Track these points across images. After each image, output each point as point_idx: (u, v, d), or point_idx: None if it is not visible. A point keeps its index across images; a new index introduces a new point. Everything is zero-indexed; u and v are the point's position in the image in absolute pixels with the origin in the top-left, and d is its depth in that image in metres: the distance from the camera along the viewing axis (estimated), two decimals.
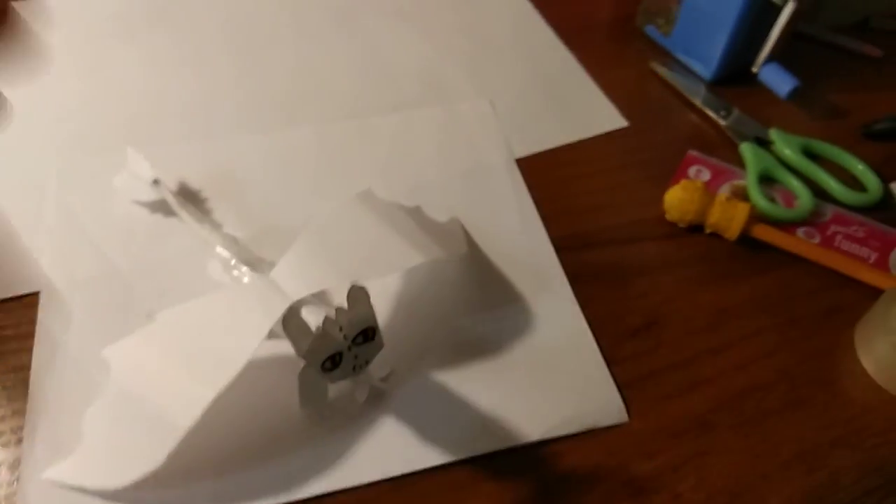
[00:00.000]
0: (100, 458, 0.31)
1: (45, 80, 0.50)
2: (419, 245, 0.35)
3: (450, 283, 0.39)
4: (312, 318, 0.31)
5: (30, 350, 0.35)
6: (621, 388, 0.35)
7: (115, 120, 0.47)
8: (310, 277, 0.31)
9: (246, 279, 0.37)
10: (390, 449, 0.33)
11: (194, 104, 0.44)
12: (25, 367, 0.35)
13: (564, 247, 0.41)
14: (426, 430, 0.33)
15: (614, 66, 0.53)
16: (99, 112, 0.47)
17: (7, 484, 0.31)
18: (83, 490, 0.31)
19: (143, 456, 0.30)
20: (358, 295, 0.28)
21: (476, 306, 0.38)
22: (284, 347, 0.30)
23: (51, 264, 0.39)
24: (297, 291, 0.30)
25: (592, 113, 0.49)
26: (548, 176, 0.45)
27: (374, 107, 0.48)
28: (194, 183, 0.43)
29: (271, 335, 0.29)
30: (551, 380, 0.35)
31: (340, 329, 0.28)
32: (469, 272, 0.39)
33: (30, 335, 0.36)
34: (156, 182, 0.41)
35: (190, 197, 0.42)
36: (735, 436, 0.34)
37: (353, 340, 0.29)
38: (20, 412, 0.33)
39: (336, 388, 0.33)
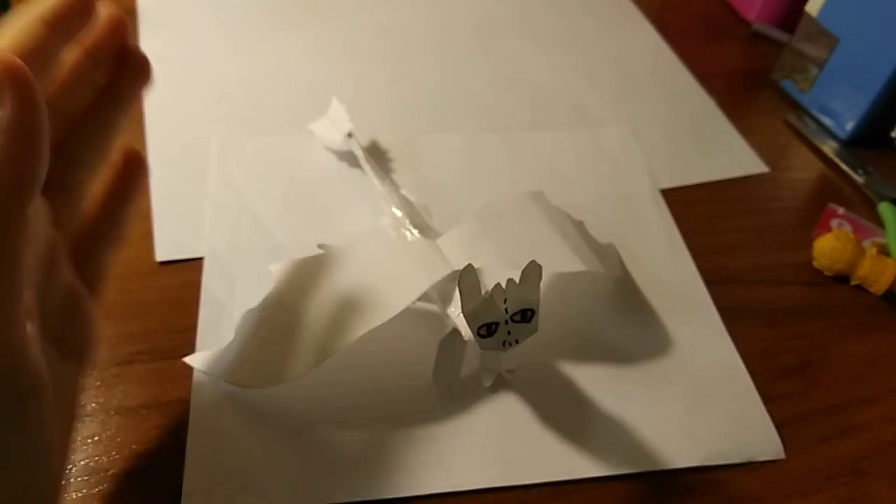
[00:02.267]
0: (241, 357, 0.31)
1: (204, 59, 0.51)
2: (582, 254, 0.36)
3: (603, 298, 0.39)
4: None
5: (194, 314, 0.36)
6: (777, 425, 0.35)
7: (271, 103, 0.48)
8: (473, 252, 0.33)
9: (411, 238, 0.38)
10: (525, 453, 0.33)
11: (346, 98, 0.45)
12: (191, 329, 0.35)
13: (712, 280, 0.41)
14: (568, 439, 0.33)
15: (749, 114, 0.54)
16: (255, 94, 0.48)
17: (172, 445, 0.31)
18: (215, 378, 0.32)
19: (279, 365, 0.30)
20: (532, 273, 0.29)
21: (627, 325, 0.38)
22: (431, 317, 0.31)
23: (213, 232, 0.39)
24: (459, 261, 0.31)
25: (732, 155, 0.50)
26: (691, 210, 0.45)
27: (518, 123, 0.49)
28: (383, 144, 0.47)
29: (425, 298, 0.31)
30: (707, 408, 0.35)
31: (505, 301, 0.29)
32: (622, 292, 0.40)
33: (193, 300, 0.36)
34: (350, 134, 0.43)
35: (377, 156, 0.45)
36: (887, 485, 0.34)
37: (513, 316, 0.30)
38: (186, 372, 0.33)
39: (466, 370, 0.34)
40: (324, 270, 0.32)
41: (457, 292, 0.29)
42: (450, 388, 0.34)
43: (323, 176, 0.44)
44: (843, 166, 0.49)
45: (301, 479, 0.30)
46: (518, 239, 0.35)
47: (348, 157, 0.44)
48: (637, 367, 0.37)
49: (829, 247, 0.42)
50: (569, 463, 0.32)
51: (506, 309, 0.29)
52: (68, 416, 0.25)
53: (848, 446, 0.35)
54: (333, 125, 0.44)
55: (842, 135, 0.51)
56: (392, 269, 0.33)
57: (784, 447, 0.34)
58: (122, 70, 0.28)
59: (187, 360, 0.33)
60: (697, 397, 0.36)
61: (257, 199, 0.41)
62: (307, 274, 0.32)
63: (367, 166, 0.42)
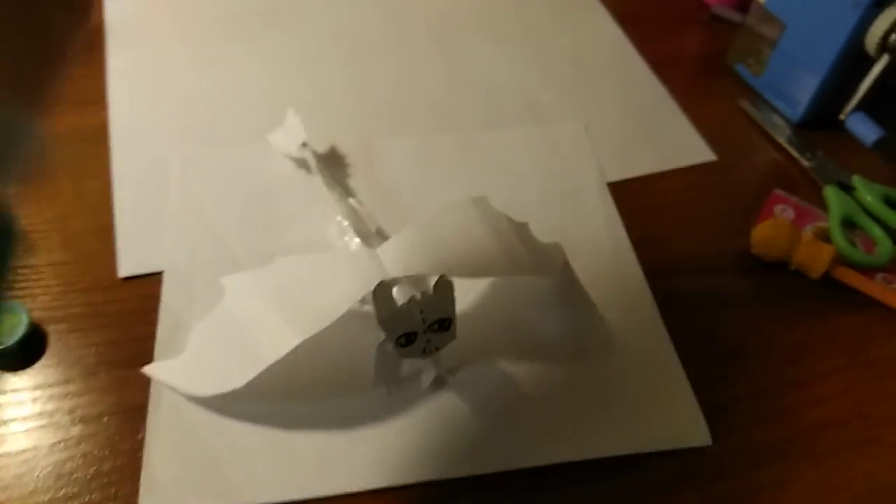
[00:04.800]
0: (194, 366, 0.34)
1: (167, 74, 0.53)
2: (517, 260, 0.37)
3: (541, 296, 0.41)
4: (402, 296, 0.34)
5: (153, 323, 0.38)
6: (704, 411, 0.37)
7: (232, 115, 0.50)
8: (409, 261, 0.33)
9: (353, 248, 0.40)
10: (463, 448, 0.35)
11: (304, 105, 0.47)
12: (149, 338, 0.38)
13: (652, 272, 0.43)
14: (500, 433, 0.36)
15: (703, 101, 0.54)
16: (217, 107, 0.51)
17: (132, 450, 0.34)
18: (171, 388, 0.35)
19: (229, 375, 0.33)
20: (444, 286, 0.31)
21: (564, 320, 0.40)
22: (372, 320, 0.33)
23: (174, 246, 0.42)
24: (394, 270, 0.33)
25: (683, 145, 0.51)
26: (637, 202, 0.47)
27: (472, 122, 0.51)
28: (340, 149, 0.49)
29: (363, 302, 0.33)
30: (638, 397, 0.37)
31: (421, 312, 0.31)
32: (560, 290, 0.42)
33: (153, 310, 0.39)
34: (304, 144, 0.46)
35: (334, 161, 0.48)
36: (808, 467, 0.36)
37: (430, 326, 0.31)
38: (145, 380, 0.36)
39: (407, 370, 0.36)
40: (269, 282, 0.34)
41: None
42: (388, 389, 0.36)
43: (280, 186, 0.46)
44: (792, 151, 0.50)
45: (254, 479, 0.33)
46: (453, 246, 0.36)
47: (305, 166, 0.46)
48: (571, 361, 0.39)
49: (765, 234, 0.43)
50: (499, 456, 0.35)
51: (423, 319, 0.31)
52: None
53: (773, 430, 0.37)
54: (289, 135, 0.46)
55: (793, 118, 0.52)
56: (330, 279, 0.34)
57: (710, 433, 0.36)
58: None
59: (145, 370, 0.36)
60: (629, 388, 0.38)
61: (216, 212, 0.44)
62: (254, 287, 0.34)
63: (318, 176, 0.44)
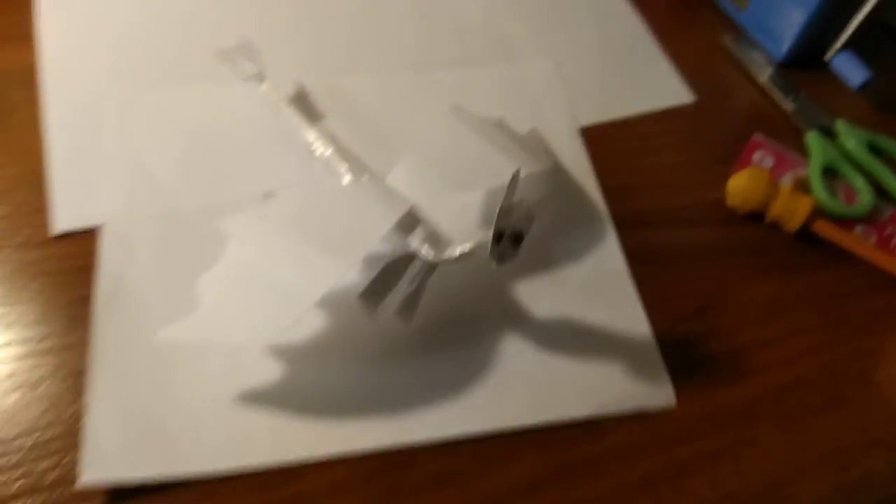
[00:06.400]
0: (221, 318, 0.32)
1: (100, 5, 0.48)
2: (511, 152, 0.37)
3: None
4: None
5: (91, 283, 0.36)
6: (670, 371, 0.36)
7: (169, 53, 0.46)
8: (423, 182, 0.35)
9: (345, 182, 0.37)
10: (435, 409, 0.34)
11: (255, 42, 0.43)
12: (86, 301, 0.35)
13: (622, 223, 0.41)
14: (458, 394, 0.34)
15: (683, 37, 0.51)
16: (153, 45, 0.47)
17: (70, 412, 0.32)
18: (204, 346, 0.34)
19: (264, 319, 0.31)
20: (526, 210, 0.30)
21: (534, 279, 0.38)
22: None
23: (112, 198, 0.39)
24: (414, 195, 0.34)
25: (660, 86, 0.48)
26: (610, 149, 0.44)
27: (436, 60, 0.48)
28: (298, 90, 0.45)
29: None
30: (602, 358, 0.36)
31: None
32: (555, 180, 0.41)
33: (91, 267, 0.36)
34: (260, 76, 0.42)
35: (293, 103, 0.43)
36: (775, 428, 0.35)
37: (513, 238, 0.30)
38: (83, 343, 0.34)
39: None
40: (279, 218, 0.33)
41: (420, 221, 0.33)
42: (374, 310, 0.34)
43: (231, 129, 0.42)
44: (775, 92, 0.47)
45: (202, 446, 0.32)
46: (456, 160, 0.37)
47: (258, 107, 0.42)
48: (535, 318, 0.37)
49: (741, 186, 0.41)
50: (459, 419, 0.33)
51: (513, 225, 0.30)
52: None
53: (740, 391, 0.36)
54: (243, 66, 0.43)
55: (777, 56, 0.49)
56: (355, 210, 0.34)
57: (676, 395, 0.35)
58: None
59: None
60: (594, 348, 0.36)
61: (158, 161, 0.41)
62: (262, 225, 0.33)
63: (287, 111, 0.40)
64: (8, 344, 0.34)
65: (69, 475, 0.30)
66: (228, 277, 0.32)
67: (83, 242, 0.37)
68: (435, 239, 0.33)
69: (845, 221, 0.42)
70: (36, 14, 0.47)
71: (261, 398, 0.33)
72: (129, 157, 0.41)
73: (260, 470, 0.31)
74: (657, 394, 0.35)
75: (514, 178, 0.30)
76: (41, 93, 0.43)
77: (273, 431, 0.32)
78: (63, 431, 0.32)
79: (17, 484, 0.30)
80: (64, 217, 0.38)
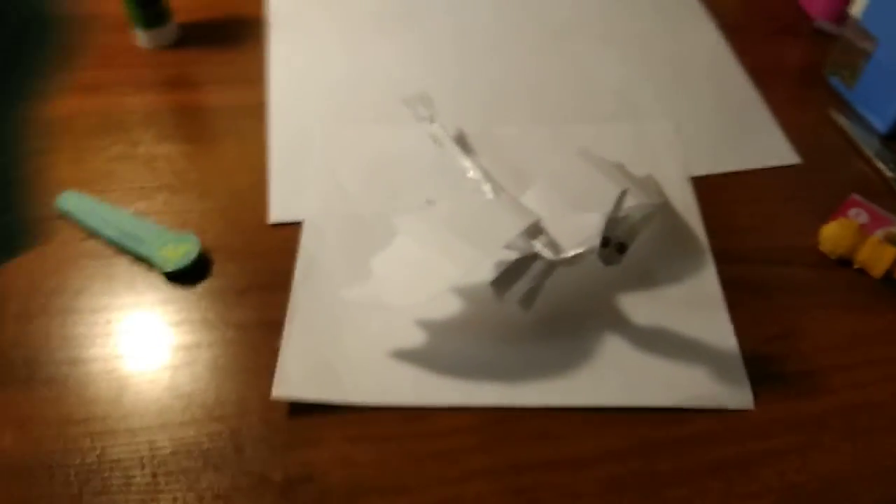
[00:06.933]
0: (385, 288, 0.42)
1: (315, 60, 0.63)
2: (631, 191, 0.44)
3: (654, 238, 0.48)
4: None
5: (292, 260, 0.47)
6: (751, 381, 0.42)
7: (365, 98, 0.59)
8: (549, 202, 0.44)
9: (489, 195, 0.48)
10: (542, 381, 0.42)
11: (429, 94, 0.55)
12: (289, 271, 0.47)
13: (722, 258, 0.47)
14: (569, 370, 0.42)
15: (795, 109, 0.58)
16: (356, 90, 0.60)
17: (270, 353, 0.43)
18: (371, 307, 0.44)
19: (417, 291, 0.41)
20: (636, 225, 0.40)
21: (638, 289, 0.46)
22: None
23: (313, 202, 0.51)
24: (540, 210, 0.43)
25: (768, 146, 0.55)
26: (717, 196, 0.51)
27: (571, 116, 0.57)
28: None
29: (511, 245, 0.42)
30: (690, 361, 0.42)
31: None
32: (664, 216, 0.49)
33: (293, 250, 0.48)
34: (432, 120, 0.53)
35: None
36: (843, 440, 0.40)
37: (618, 244, 0.38)
38: (283, 302, 0.45)
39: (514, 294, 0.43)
40: (437, 220, 0.43)
41: (544, 231, 0.42)
42: (502, 296, 0.43)
43: (403, 158, 0.54)
44: (877, 161, 0.53)
45: (361, 384, 0.41)
46: (582, 189, 0.46)
47: (426, 142, 0.54)
48: (633, 323, 0.44)
49: (832, 232, 0.46)
50: (561, 391, 0.41)
51: (618, 236, 0.38)
52: None
53: (814, 404, 0.41)
54: (420, 109, 0.55)
55: (881, 130, 0.55)
56: (493, 215, 0.44)
57: (754, 400, 0.41)
58: None
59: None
60: (685, 350, 0.43)
61: (349, 176, 0.53)
62: (423, 225, 0.43)
63: (448, 144, 0.52)
64: (227, 297, 0.46)
65: (266, 391, 0.41)
66: (395, 258, 0.43)
67: (290, 231, 0.49)
68: (554, 245, 0.42)
69: None
70: (267, 62, 0.62)
71: (408, 354, 0.43)
72: (328, 173, 0.53)
73: (401, 407, 0.41)
74: (737, 395, 0.41)
75: (622, 195, 0.38)
76: (268, 123, 0.57)
77: (414, 380, 0.42)
78: (262, 363, 0.42)
79: (232, 395, 0.41)
80: (277, 212, 0.50)
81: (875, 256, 0.45)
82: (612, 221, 0.38)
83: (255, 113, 0.58)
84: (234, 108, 0.59)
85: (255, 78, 0.61)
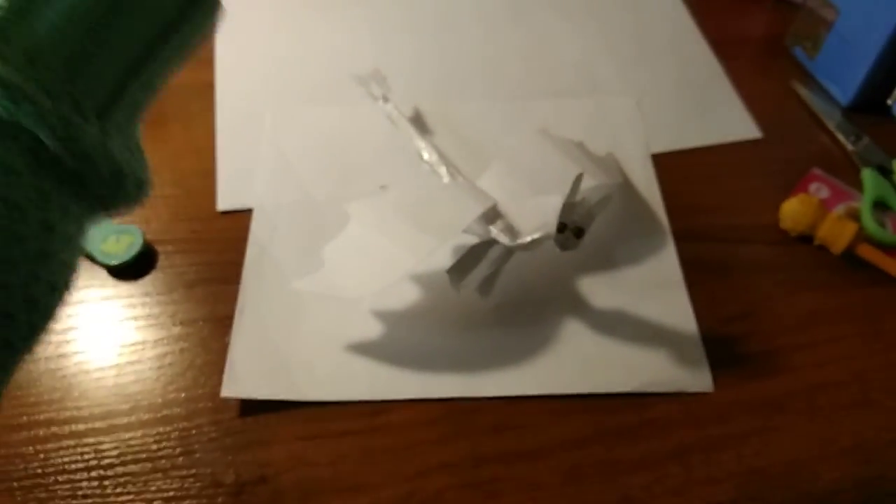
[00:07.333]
0: (335, 276, 0.41)
1: (264, 40, 0.60)
2: (590, 171, 0.44)
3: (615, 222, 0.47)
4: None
5: (243, 250, 0.46)
6: (711, 363, 0.41)
7: (314, 77, 0.57)
8: (507, 186, 0.43)
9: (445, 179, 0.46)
10: (500, 371, 0.41)
11: (382, 72, 0.53)
12: (239, 262, 0.45)
13: (682, 237, 0.47)
14: (532, 364, 0.41)
15: (757, 80, 0.57)
16: (302, 70, 0.57)
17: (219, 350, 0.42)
18: (323, 298, 0.42)
19: (371, 279, 0.40)
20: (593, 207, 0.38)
21: (598, 271, 0.45)
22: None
23: (263, 188, 0.49)
24: (497, 195, 0.42)
25: (730, 121, 0.54)
26: (678, 173, 0.50)
27: (530, 91, 0.56)
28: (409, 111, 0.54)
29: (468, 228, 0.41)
30: (649, 344, 0.42)
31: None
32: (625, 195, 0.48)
33: (243, 239, 0.46)
34: (385, 99, 0.51)
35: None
36: (802, 420, 0.40)
37: (576, 231, 0.38)
38: (233, 295, 0.44)
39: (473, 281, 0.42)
40: (391, 204, 0.42)
41: (501, 215, 0.41)
42: (459, 283, 0.41)
43: (357, 140, 0.52)
44: (838, 134, 0.52)
45: (313, 380, 0.40)
46: (539, 170, 0.45)
47: (381, 123, 0.52)
48: (593, 308, 0.44)
49: (792, 209, 0.46)
50: (519, 381, 0.40)
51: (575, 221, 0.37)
52: None
53: (773, 385, 0.41)
54: (372, 85, 0.52)
55: (843, 101, 0.54)
56: (448, 200, 0.43)
57: (714, 383, 0.41)
58: None
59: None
60: (644, 334, 0.42)
61: (300, 161, 0.51)
62: (377, 209, 0.42)
63: (403, 124, 0.50)
64: (173, 290, 0.44)
65: (215, 390, 0.40)
66: (347, 247, 0.41)
67: (241, 219, 0.47)
68: (512, 230, 0.41)
69: (891, 250, 0.46)
70: (216, 44, 0.59)
71: (362, 347, 0.41)
72: (277, 157, 0.51)
73: (357, 401, 0.40)
74: (696, 379, 0.41)
75: (577, 179, 0.37)
76: (215, 103, 0.55)
77: (370, 373, 0.40)
78: (210, 360, 0.41)
79: (180, 395, 0.40)
80: (226, 199, 0.48)
81: (835, 233, 0.45)
82: (569, 206, 0.37)
83: (205, 93, 0.56)
84: (181, 88, 0.55)
85: (203, 55, 0.58)
